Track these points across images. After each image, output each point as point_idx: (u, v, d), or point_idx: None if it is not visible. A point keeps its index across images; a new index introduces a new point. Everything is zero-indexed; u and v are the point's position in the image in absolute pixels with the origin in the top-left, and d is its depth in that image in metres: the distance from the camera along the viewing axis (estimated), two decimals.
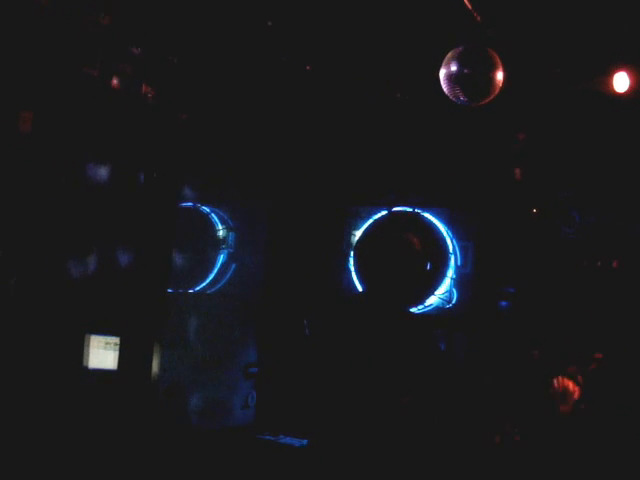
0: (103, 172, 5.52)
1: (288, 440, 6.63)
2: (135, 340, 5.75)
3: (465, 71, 4.62)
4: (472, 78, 4.65)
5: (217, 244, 7.03)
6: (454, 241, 6.92)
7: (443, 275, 6.81)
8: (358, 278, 7.05)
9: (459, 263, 6.88)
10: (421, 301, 6.79)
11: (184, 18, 5.21)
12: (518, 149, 6.41)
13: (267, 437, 6.73)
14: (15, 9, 4.39)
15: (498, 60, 4.68)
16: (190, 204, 6.77)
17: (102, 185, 5.51)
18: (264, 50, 5.63)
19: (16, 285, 4.80)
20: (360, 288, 6.89)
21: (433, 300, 6.85)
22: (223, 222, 7.04)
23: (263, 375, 7.20)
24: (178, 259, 6.37)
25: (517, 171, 6.49)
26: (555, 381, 4.09)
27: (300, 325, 6.73)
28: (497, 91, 4.73)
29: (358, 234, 7.20)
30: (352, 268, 7.19)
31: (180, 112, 5.91)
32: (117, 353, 5.61)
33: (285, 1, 5.02)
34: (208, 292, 6.89)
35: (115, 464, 5.22)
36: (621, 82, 5.46)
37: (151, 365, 5.78)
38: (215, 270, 6.98)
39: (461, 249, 6.93)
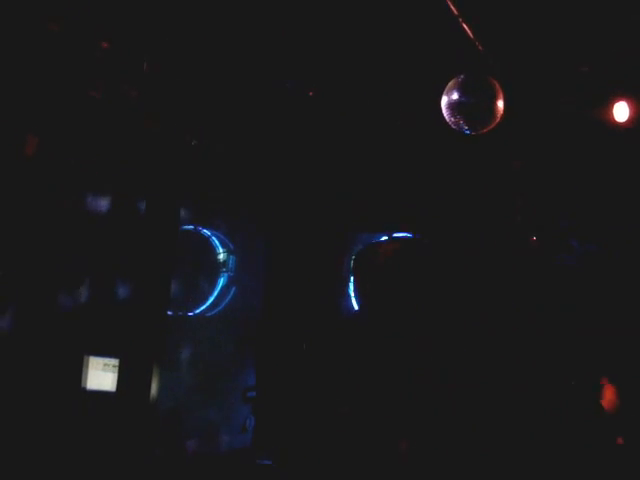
0: (104, 197, 5.55)
1: None
2: (134, 362, 5.74)
3: (466, 100, 4.67)
4: (473, 106, 4.69)
5: (217, 267, 7.04)
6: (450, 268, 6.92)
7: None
8: (357, 303, 7.06)
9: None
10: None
11: (188, 44, 5.26)
12: (517, 177, 6.45)
13: (265, 462, 6.70)
14: (24, 35, 4.44)
15: (499, 89, 4.73)
16: (191, 227, 6.79)
17: (103, 209, 5.54)
18: (268, 76, 5.67)
19: (17, 307, 4.81)
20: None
21: None
22: (223, 245, 7.05)
23: (261, 399, 7.18)
24: (178, 282, 6.38)
25: (516, 198, 6.53)
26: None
27: (299, 349, 6.72)
28: (498, 119, 4.77)
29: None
30: (351, 293, 7.19)
31: (185, 136, 5.95)
32: (116, 375, 5.61)
33: (289, 28, 5.07)
34: (207, 315, 6.89)
35: None
36: (621, 112, 5.51)
37: (150, 387, 5.77)
38: (215, 293, 6.98)
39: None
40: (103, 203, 5.59)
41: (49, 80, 4.61)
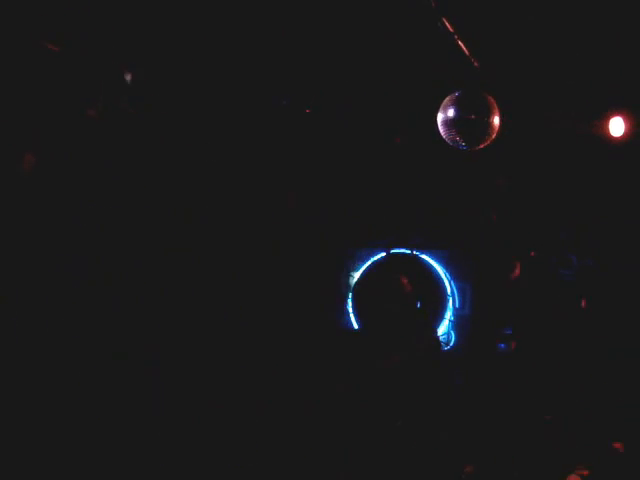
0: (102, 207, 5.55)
1: None
2: None
3: (462, 116, 4.68)
4: (469, 123, 4.71)
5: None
6: (452, 283, 6.93)
7: (441, 317, 6.81)
8: (356, 320, 7.05)
9: (457, 305, 6.89)
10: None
11: (187, 62, 5.28)
12: (513, 192, 6.47)
13: None
14: (23, 54, 4.46)
15: (495, 105, 4.75)
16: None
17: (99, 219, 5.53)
18: (263, 92, 5.69)
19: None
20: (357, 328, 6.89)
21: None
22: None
23: None
24: None
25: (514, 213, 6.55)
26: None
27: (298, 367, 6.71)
28: (494, 135, 4.79)
29: (356, 276, 7.21)
30: (350, 310, 7.18)
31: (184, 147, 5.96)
32: None
33: (287, 45, 5.10)
34: None
35: None
36: (617, 127, 5.53)
37: None
38: None
39: (459, 290, 6.94)
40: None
41: (46, 98, 4.62)
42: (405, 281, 3.57)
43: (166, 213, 5.84)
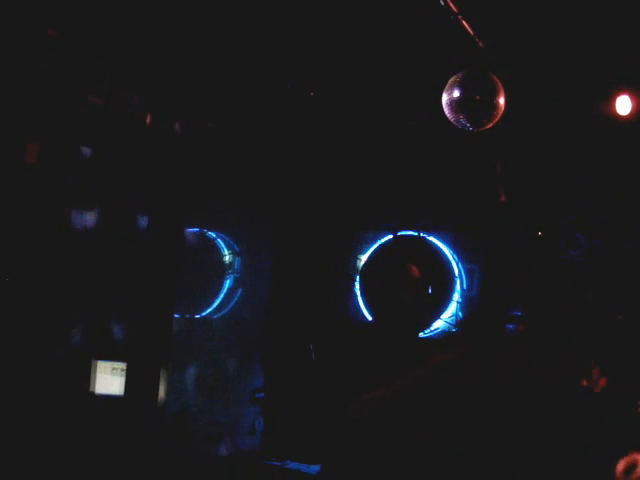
0: (107, 198, 5.56)
1: (295, 466, 6.61)
2: (142, 366, 5.76)
3: (467, 97, 4.66)
4: (474, 103, 4.68)
5: (223, 269, 7.05)
6: (460, 264, 6.92)
7: (449, 299, 6.81)
8: (364, 303, 7.06)
9: (465, 286, 6.89)
10: (427, 326, 6.79)
11: (190, 49, 5.27)
12: (520, 172, 6.43)
13: (274, 463, 6.71)
14: (25, 43, 4.45)
15: (500, 85, 4.72)
16: (196, 229, 6.80)
17: (105, 211, 5.55)
18: (269, 77, 5.68)
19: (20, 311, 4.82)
20: (366, 313, 6.89)
21: (439, 324, 6.84)
22: (229, 247, 7.06)
23: (270, 400, 7.19)
24: (184, 284, 6.39)
25: (521, 194, 6.52)
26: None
27: (306, 350, 6.73)
28: (499, 115, 4.76)
29: (364, 258, 7.22)
30: (358, 292, 7.19)
31: (193, 136, 5.96)
32: (123, 379, 5.63)
33: (290, 29, 5.07)
34: (214, 317, 6.90)
35: None
36: (624, 105, 5.49)
37: (158, 390, 5.78)
38: (221, 295, 6.99)
39: (467, 272, 6.93)
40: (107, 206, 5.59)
41: (48, 86, 4.61)
42: (414, 268, 3.54)
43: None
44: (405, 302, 3.45)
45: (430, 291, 3.50)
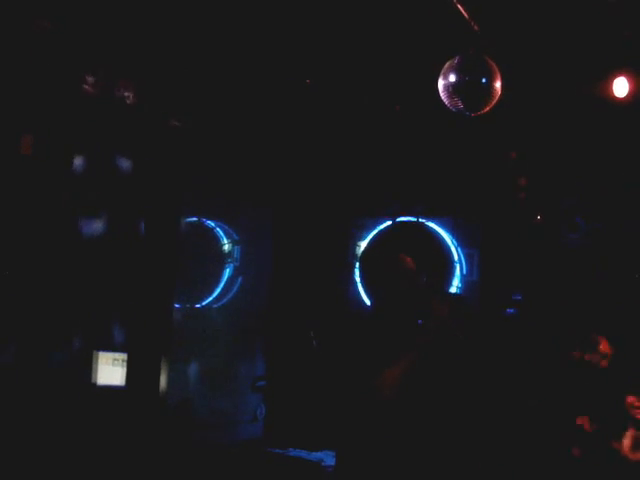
0: (105, 188, 5.56)
1: (297, 453, 6.62)
2: (143, 356, 5.77)
3: (463, 81, 4.63)
4: (470, 87, 4.65)
5: (223, 258, 7.05)
6: (459, 249, 6.91)
7: (449, 284, 6.80)
8: (363, 289, 7.04)
9: (465, 271, 6.87)
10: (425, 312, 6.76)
11: (185, 33, 5.24)
12: (520, 157, 6.41)
13: (276, 450, 6.72)
14: (16, 34, 4.43)
15: (496, 68, 4.69)
16: (195, 219, 6.79)
17: (102, 201, 5.54)
18: (269, 65, 5.65)
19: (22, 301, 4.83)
20: (366, 300, 6.88)
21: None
22: (228, 236, 7.06)
23: (271, 388, 7.20)
24: (184, 274, 6.39)
25: (520, 178, 6.49)
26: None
27: (307, 337, 6.73)
28: (496, 99, 4.73)
29: (363, 245, 7.21)
30: (358, 279, 7.18)
31: (191, 126, 5.94)
32: (124, 369, 5.64)
33: (285, 16, 5.04)
34: (215, 306, 6.91)
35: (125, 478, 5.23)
36: (621, 87, 5.46)
37: (159, 380, 5.79)
38: (221, 284, 6.99)
39: (466, 257, 6.91)
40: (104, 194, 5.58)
41: (42, 77, 4.60)
42: (408, 259, 3.54)
43: None
44: (400, 291, 3.46)
45: (425, 279, 3.51)
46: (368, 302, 3.91)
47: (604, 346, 5.12)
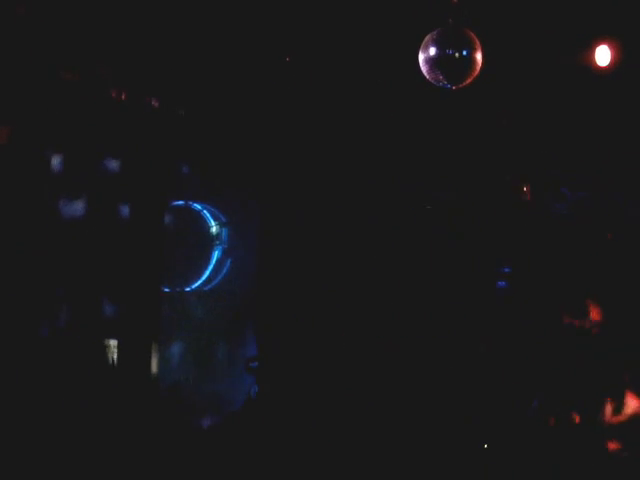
0: (88, 173, 5.54)
1: None
2: (133, 341, 5.77)
3: (444, 54, 4.60)
4: (451, 60, 4.63)
5: (211, 241, 7.03)
6: None
7: None
8: None
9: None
10: None
11: (174, 21, 5.21)
12: (504, 128, 6.39)
13: None
14: None
15: (476, 40, 4.66)
16: (181, 202, 6.77)
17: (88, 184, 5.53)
18: (256, 49, 5.63)
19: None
20: None
21: None
22: (215, 218, 7.04)
23: (264, 369, 7.20)
24: (172, 258, 6.37)
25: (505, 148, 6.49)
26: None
27: (297, 318, 6.73)
28: (477, 71, 4.71)
29: None
30: None
31: (174, 109, 5.92)
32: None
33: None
34: (204, 289, 6.90)
35: (119, 464, 5.24)
36: (603, 56, 5.46)
37: (150, 365, 5.80)
38: (210, 267, 6.98)
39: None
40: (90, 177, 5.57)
41: (18, 64, 4.56)
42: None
43: None
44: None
45: None
46: None
47: (595, 313, 5.16)
